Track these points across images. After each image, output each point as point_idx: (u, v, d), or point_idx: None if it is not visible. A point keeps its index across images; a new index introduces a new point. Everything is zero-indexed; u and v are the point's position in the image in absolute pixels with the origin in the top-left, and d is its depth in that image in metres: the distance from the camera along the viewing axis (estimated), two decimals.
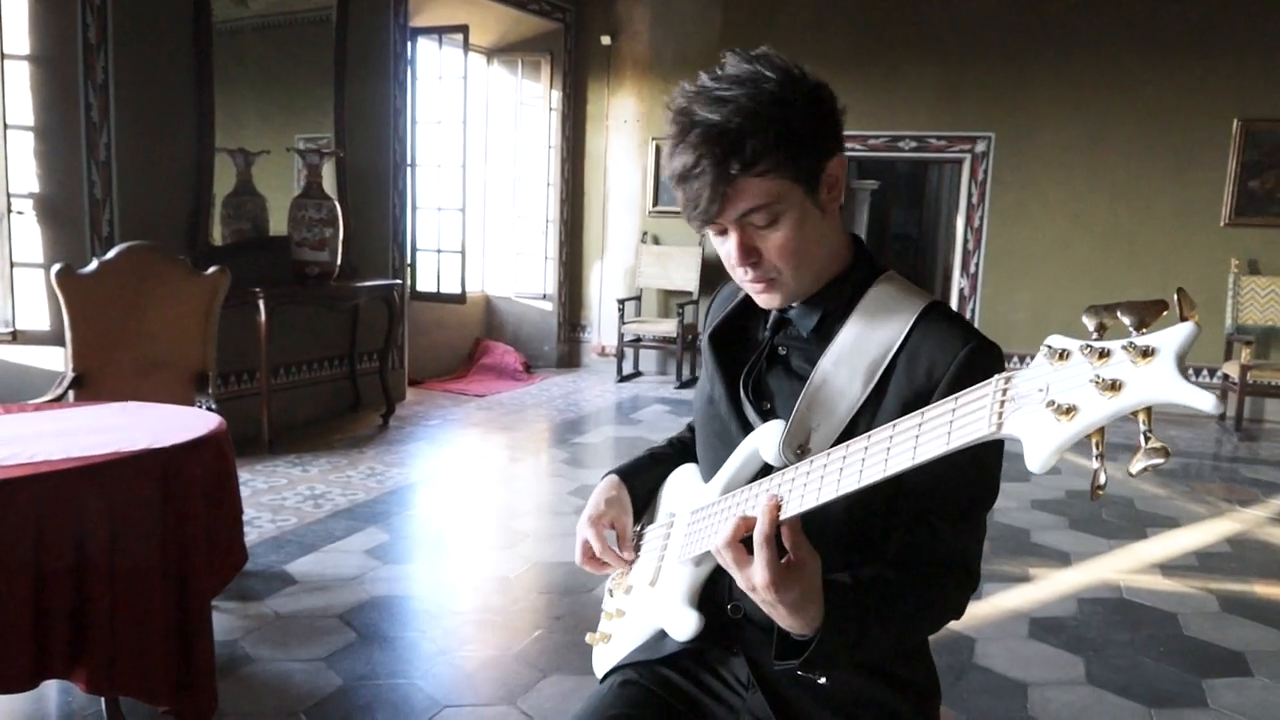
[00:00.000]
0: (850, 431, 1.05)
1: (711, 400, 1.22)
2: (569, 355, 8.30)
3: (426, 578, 3.43)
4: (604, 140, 8.05)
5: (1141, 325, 0.69)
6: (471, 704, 2.52)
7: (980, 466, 1.07)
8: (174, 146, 4.65)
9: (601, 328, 8.19)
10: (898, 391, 1.06)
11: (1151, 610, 3.29)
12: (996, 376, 0.77)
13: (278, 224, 5.26)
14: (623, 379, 7.70)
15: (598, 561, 1.28)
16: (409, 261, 6.69)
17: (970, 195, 7.21)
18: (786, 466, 1.02)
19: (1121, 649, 2.99)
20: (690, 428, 1.45)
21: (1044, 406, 0.70)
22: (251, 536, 3.54)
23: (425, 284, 6.96)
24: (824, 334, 1.14)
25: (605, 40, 7.83)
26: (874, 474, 0.87)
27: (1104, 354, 0.69)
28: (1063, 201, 6.99)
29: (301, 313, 5.35)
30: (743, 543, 0.97)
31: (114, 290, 3.48)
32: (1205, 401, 0.65)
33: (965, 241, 7.28)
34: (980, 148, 7.12)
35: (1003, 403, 0.74)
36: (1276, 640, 3.06)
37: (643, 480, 1.34)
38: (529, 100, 7.99)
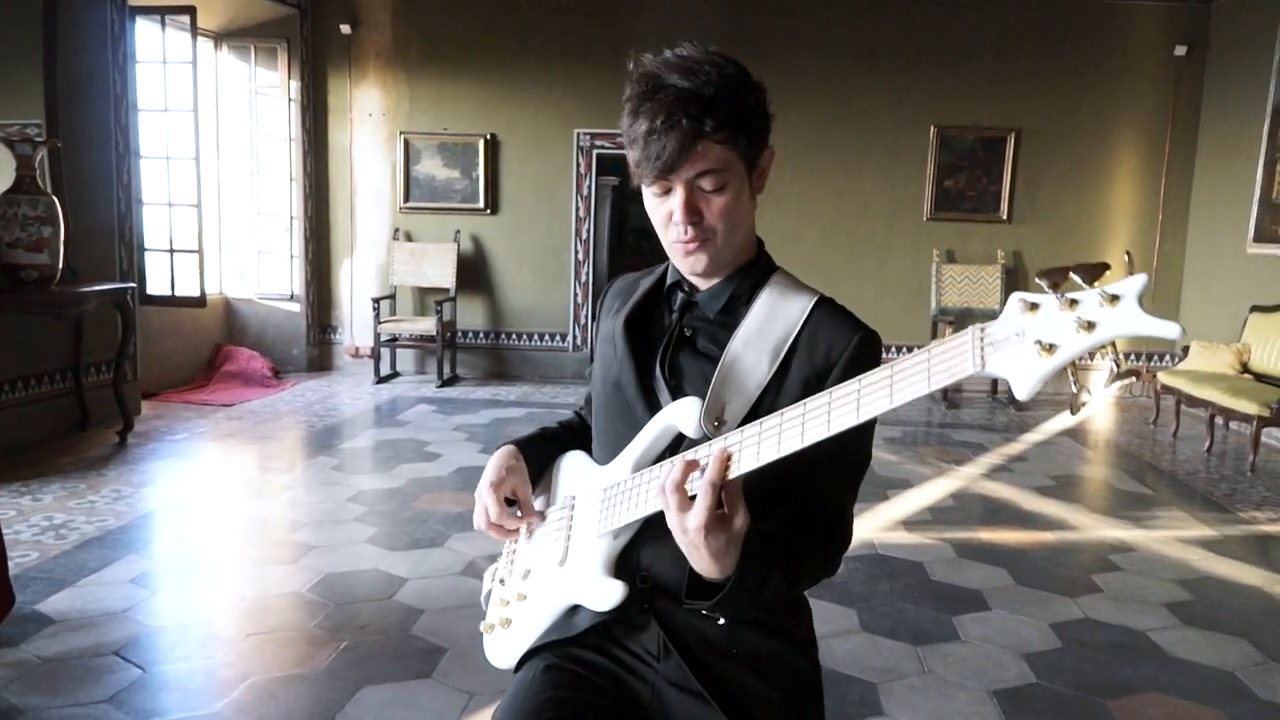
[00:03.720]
0: (759, 405, 1.16)
1: (618, 384, 1.28)
2: (320, 358, 7.93)
3: (209, 601, 3.19)
4: (348, 134, 7.75)
5: (1092, 280, 0.84)
6: None
7: (861, 439, 1.22)
8: None
9: (354, 328, 7.90)
10: (799, 370, 1.19)
11: (903, 562, 3.73)
12: (973, 326, 0.88)
13: None
14: (380, 380, 7.48)
15: (496, 526, 1.33)
16: (137, 263, 6.10)
17: None
18: (704, 438, 1.12)
19: (884, 598, 3.36)
20: (578, 414, 1.52)
21: (1029, 345, 0.83)
22: None
23: (157, 287, 6.38)
24: (730, 316, 1.25)
25: (345, 29, 7.54)
26: (818, 433, 0.97)
27: (1073, 302, 0.82)
28: (794, 198, 7.60)
29: (15, 322, 4.74)
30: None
31: None
32: (1170, 330, 0.78)
33: None
34: None
35: (983, 347, 0.86)
36: (1004, 577, 3.58)
37: (537, 454, 1.40)
38: (265, 90, 7.53)
